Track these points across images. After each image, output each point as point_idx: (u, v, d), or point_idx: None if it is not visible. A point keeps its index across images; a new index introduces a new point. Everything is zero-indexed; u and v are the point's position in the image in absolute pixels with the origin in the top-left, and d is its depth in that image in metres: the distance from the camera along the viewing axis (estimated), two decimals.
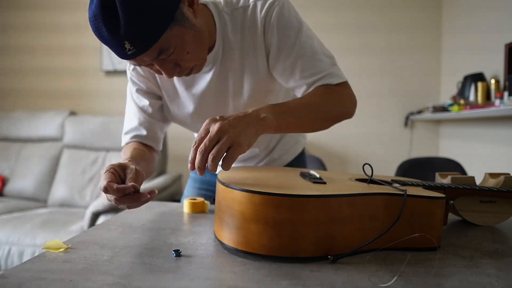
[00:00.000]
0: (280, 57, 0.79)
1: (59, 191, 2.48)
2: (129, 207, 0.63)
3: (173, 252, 0.57)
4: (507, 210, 0.77)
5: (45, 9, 3.04)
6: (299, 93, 0.82)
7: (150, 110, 0.90)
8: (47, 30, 3.04)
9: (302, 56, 0.78)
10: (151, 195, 0.61)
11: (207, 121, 0.62)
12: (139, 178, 0.64)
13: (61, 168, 2.59)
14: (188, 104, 0.89)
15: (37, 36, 3.06)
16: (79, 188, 2.46)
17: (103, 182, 0.60)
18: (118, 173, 0.63)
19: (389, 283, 0.47)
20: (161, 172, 2.56)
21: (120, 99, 2.96)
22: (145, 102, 0.89)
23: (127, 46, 0.63)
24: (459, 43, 2.50)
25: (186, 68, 0.74)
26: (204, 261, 0.54)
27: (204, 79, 0.85)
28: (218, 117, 0.62)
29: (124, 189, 0.59)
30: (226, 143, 0.58)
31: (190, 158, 0.60)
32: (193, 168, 0.60)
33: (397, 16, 2.76)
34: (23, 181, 2.58)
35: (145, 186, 2.17)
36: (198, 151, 0.59)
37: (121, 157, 0.84)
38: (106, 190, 0.59)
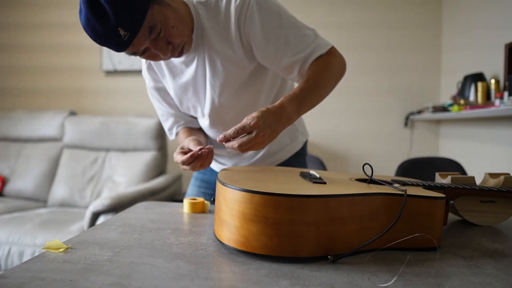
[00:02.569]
0: (269, 44, 0.83)
1: (59, 191, 2.48)
2: (203, 166, 0.82)
3: None
4: (507, 210, 0.77)
5: (45, 8, 3.04)
6: (295, 70, 0.86)
7: (174, 106, 1.02)
8: (47, 29, 3.04)
9: (290, 36, 0.83)
10: (209, 149, 0.81)
11: (254, 113, 0.70)
12: (200, 143, 0.84)
13: (61, 168, 2.59)
14: (180, 93, 0.97)
15: (37, 36, 3.06)
16: (79, 188, 2.46)
17: (179, 159, 0.81)
18: (185, 151, 0.82)
19: (389, 283, 0.47)
20: (161, 172, 2.56)
21: (120, 99, 2.98)
22: (168, 101, 1.02)
23: (122, 32, 0.71)
24: (459, 43, 2.50)
25: (177, 45, 0.81)
26: (204, 261, 0.54)
27: (190, 67, 0.91)
28: (260, 112, 0.71)
29: (193, 154, 0.79)
30: (255, 140, 0.69)
31: (229, 133, 0.70)
32: (223, 140, 0.71)
33: (397, 16, 2.76)
34: (23, 181, 2.58)
35: (145, 186, 2.17)
36: (233, 131, 0.69)
37: (179, 143, 1.00)
38: (183, 162, 0.80)
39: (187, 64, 0.91)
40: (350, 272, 0.51)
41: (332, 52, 0.86)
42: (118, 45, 0.73)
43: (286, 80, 1.02)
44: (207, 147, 0.81)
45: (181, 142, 0.98)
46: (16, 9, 3.08)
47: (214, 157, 1.09)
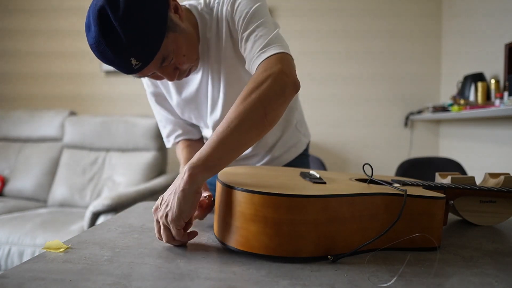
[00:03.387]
0: (240, 28, 0.77)
1: (59, 191, 2.48)
2: (201, 218, 0.74)
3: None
4: (507, 210, 0.77)
5: (45, 11, 3.04)
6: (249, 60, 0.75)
7: (174, 113, 0.99)
8: (48, 33, 3.04)
9: (246, 33, 0.75)
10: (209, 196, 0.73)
11: (154, 212, 0.62)
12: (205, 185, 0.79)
13: (61, 168, 2.59)
14: (183, 105, 0.95)
15: (38, 39, 3.06)
16: (79, 188, 2.46)
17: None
18: None
19: (389, 283, 0.47)
20: (161, 172, 2.56)
21: (120, 99, 2.98)
22: (167, 108, 0.99)
23: (133, 62, 0.67)
24: (459, 43, 2.50)
25: (184, 71, 0.79)
26: (204, 261, 0.54)
27: (194, 80, 0.89)
28: (155, 206, 0.62)
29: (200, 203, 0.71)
30: (165, 223, 0.59)
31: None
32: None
33: (397, 15, 2.76)
34: (23, 181, 2.58)
35: (145, 186, 2.17)
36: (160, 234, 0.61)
37: (178, 159, 0.99)
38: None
39: (192, 77, 0.89)
40: (350, 272, 0.51)
41: (281, 57, 0.68)
42: (126, 71, 0.70)
43: None
44: (207, 194, 0.72)
45: (179, 159, 0.97)
46: (17, 14, 3.08)
47: None
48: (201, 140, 1.05)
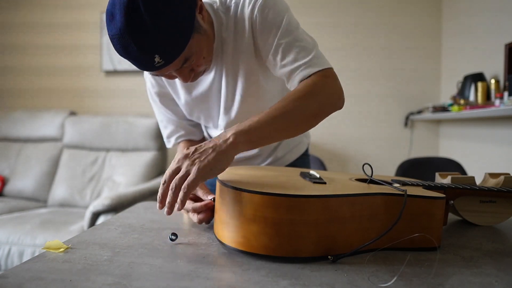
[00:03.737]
0: (266, 52, 0.79)
1: (59, 191, 2.48)
2: (207, 222, 0.71)
3: (171, 235, 0.62)
4: (507, 210, 0.77)
5: (45, 8, 3.04)
6: (287, 83, 0.79)
7: (177, 113, 0.97)
8: (47, 29, 3.04)
9: (282, 45, 0.76)
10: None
11: (179, 156, 0.60)
12: (207, 189, 0.75)
13: (61, 168, 2.59)
14: (192, 105, 0.92)
15: (37, 36, 3.06)
16: (79, 188, 2.46)
17: (189, 206, 0.71)
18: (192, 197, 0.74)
19: (389, 283, 0.47)
20: (161, 172, 2.56)
21: (120, 99, 2.98)
22: (171, 108, 0.96)
23: (157, 59, 0.64)
24: (459, 43, 2.50)
25: (199, 72, 0.77)
26: (204, 261, 0.54)
27: (206, 80, 0.87)
28: (188, 152, 0.59)
29: (207, 203, 0.70)
30: (179, 183, 0.56)
31: (159, 196, 0.59)
32: (162, 207, 0.59)
33: (397, 15, 2.76)
34: (23, 181, 2.58)
35: (145, 186, 2.17)
36: (169, 188, 0.57)
37: None
38: (195, 210, 0.70)
39: (203, 76, 0.87)
40: (350, 272, 0.51)
41: (325, 75, 0.73)
42: (146, 68, 0.67)
43: None
44: (212, 197, 0.71)
45: None
46: (16, 9, 3.08)
47: None
48: (202, 141, 1.03)
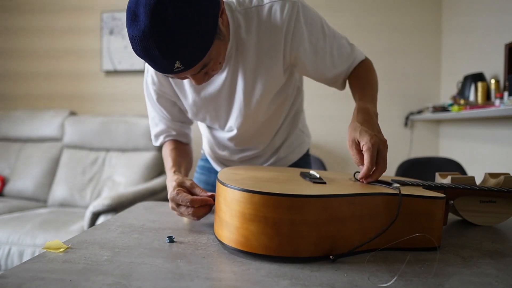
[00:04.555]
0: (317, 57, 0.84)
1: (59, 191, 2.48)
2: (200, 217, 0.72)
3: (167, 238, 0.62)
4: (507, 210, 0.77)
5: (45, 10, 3.04)
6: (339, 79, 0.92)
7: (172, 114, 0.95)
8: (48, 31, 3.04)
9: (333, 48, 0.85)
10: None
11: (365, 139, 0.68)
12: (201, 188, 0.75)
13: (61, 168, 2.59)
14: (200, 105, 0.90)
15: (38, 38, 3.06)
16: (79, 188, 2.46)
17: (187, 197, 0.70)
18: (186, 189, 0.74)
19: (389, 283, 0.47)
20: (161, 172, 2.56)
21: (120, 99, 2.98)
22: (167, 108, 0.94)
23: (177, 64, 0.63)
24: (459, 43, 2.50)
25: (212, 76, 0.76)
26: (204, 261, 0.54)
27: (217, 80, 0.85)
28: (362, 131, 0.70)
29: (206, 199, 0.71)
30: (385, 150, 0.68)
31: (366, 172, 0.67)
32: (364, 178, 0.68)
33: (397, 16, 2.76)
34: (23, 181, 2.58)
35: (145, 186, 2.17)
36: (369, 167, 0.66)
37: (164, 158, 0.96)
38: (193, 202, 0.70)
39: (215, 76, 0.85)
40: (350, 272, 0.51)
41: (367, 59, 0.94)
42: (164, 71, 0.65)
43: (302, 83, 1.05)
44: (210, 194, 0.73)
45: (166, 159, 0.93)
46: (16, 13, 3.08)
47: (225, 164, 1.08)
48: (187, 148, 1.00)
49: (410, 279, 0.48)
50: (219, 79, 0.85)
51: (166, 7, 0.57)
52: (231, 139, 0.96)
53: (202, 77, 0.73)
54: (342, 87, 0.95)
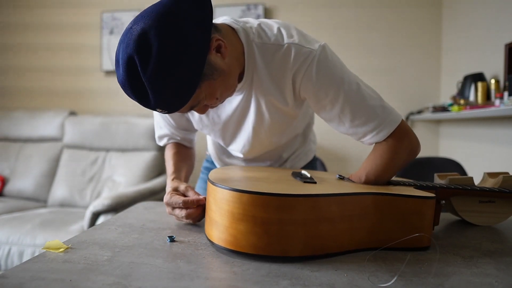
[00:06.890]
0: (323, 111, 0.77)
1: (59, 191, 2.48)
2: (195, 219, 0.72)
3: (167, 238, 0.63)
4: (506, 210, 0.77)
5: (45, 8, 3.04)
6: (353, 138, 0.80)
7: (179, 123, 0.94)
8: (47, 29, 3.04)
9: (346, 107, 0.74)
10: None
11: None
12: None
13: (61, 168, 2.59)
14: (211, 126, 0.89)
15: (37, 36, 3.06)
16: (79, 188, 2.46)
17: (179, 199, 0.71)
18: (180, 193, 0.75)
19: (389, 283, 0.47)
20: (161, 172, 2.56)
21: (120, 99, 2.98)
22: (174, 118, 0.93)
23: (159, 110, 0.64)
24: (459, 43, 2.50)
25: (216, 105, 0.74)
26: (204, 261, 0.54)
27: (230, 105, 0.83)
28: None
29: (200, 200, 0.71)
30: None
31: None
32: None
33: (397, 15, 2.76)
34: (23, 181, 2.58)
35: (145, 186, 2.17)
36: None
37: (166, 161, 0.95)
38: (186, 203, 0.70)
39: (229, 101, 0.82)
40: (350, 272, 0.51)
41: (400, 132, 0.76)
42: (153, 109, 0.66)
43: (313, 114, 1.03)
44: (203, 196, 0.72)
45: (168, 163, 0.93)
46: (16, 9, 3.08)
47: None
48: (190, 154, 1.01)
49: (410, 279, 0.48)
50: (232, 104, 0.83)
51: (136, 64, 0.58)
52: (237, 156, 0.97)
53: (202, 109, 0.72)
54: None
